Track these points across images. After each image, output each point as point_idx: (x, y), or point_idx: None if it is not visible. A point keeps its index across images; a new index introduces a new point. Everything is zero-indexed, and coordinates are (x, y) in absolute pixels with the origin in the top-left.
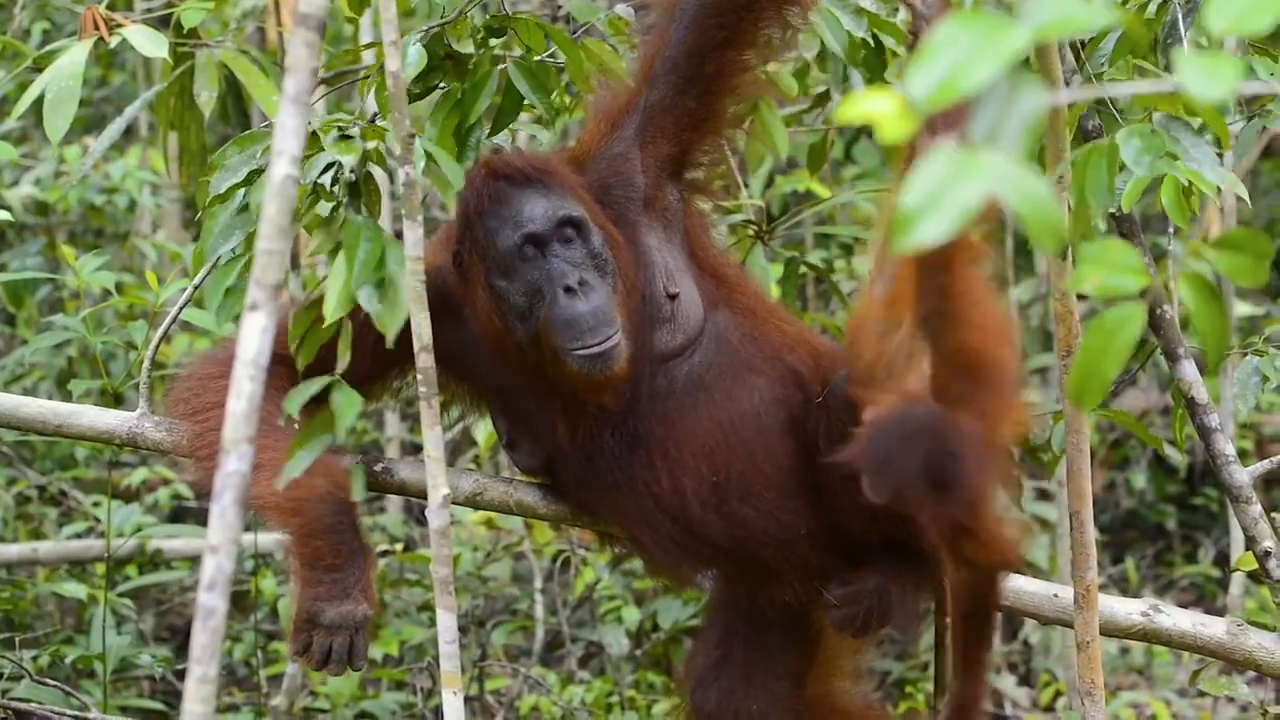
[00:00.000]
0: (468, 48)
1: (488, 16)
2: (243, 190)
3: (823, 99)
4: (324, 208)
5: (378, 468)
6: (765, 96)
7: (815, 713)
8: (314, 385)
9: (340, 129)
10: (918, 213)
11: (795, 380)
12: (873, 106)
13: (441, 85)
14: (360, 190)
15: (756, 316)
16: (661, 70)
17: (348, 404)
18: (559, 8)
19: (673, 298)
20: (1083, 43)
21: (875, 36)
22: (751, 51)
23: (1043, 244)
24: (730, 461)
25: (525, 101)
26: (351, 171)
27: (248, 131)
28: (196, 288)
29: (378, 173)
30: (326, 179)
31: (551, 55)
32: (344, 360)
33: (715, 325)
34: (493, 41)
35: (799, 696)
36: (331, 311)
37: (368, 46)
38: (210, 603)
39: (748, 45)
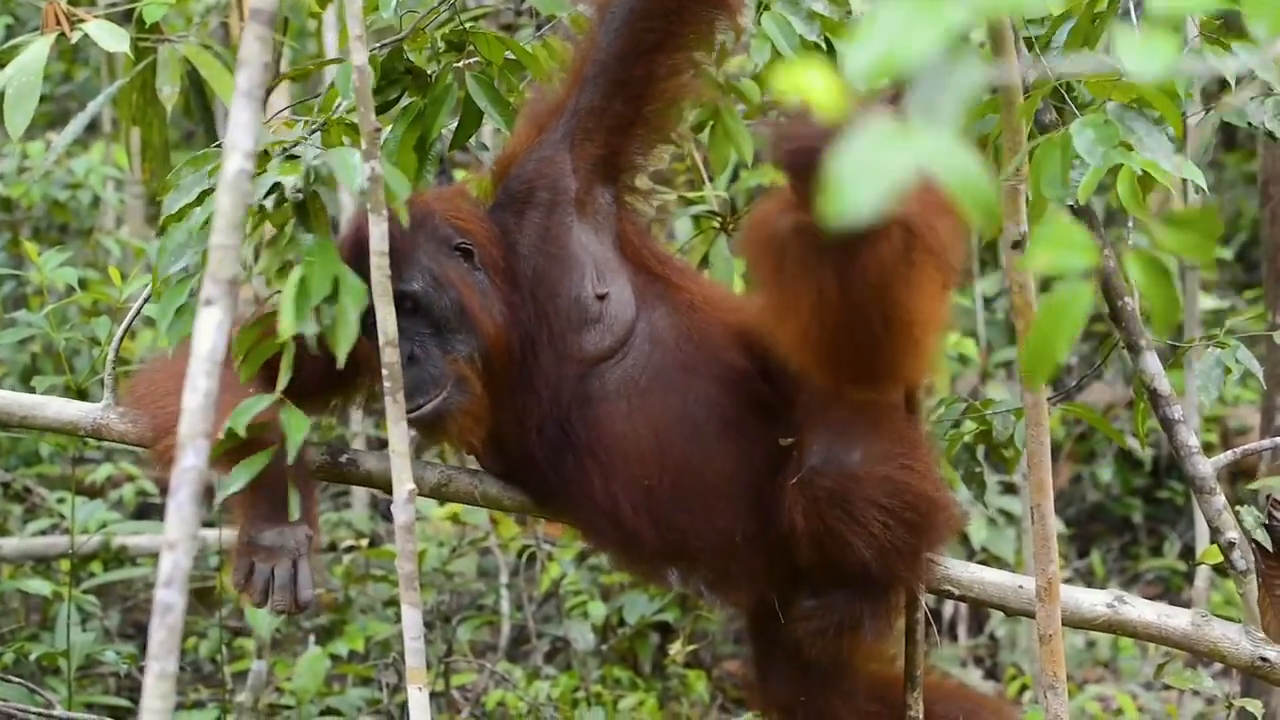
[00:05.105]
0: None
1: (446, 30)
2: (196, 210)
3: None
4: (269, 230)
5: (343, 459)
6: (725, 101)
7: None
8: (259, 403)
9: (285, 150)
10: (847, 183)
11: (737, 379)
12: (807, 81)
13: (399, 98)
14: (307, 209)
15: (696, 311)
16: (591, 74)
17: (296, 424)
18: (522, 1)
19: (601, 298)
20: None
21: (828, 40)
22: (682, 55)
23: (975, 219)
24: (663, 467)
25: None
26: (297, 191)
27: (201, 151)
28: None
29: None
30: (270, 201)
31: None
32: (284, 380)
33: (650, 325)
34: (452, 56)
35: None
36: (285, 329)
37: (328, 63)
38: (168, 599)
39: (677, 49)
